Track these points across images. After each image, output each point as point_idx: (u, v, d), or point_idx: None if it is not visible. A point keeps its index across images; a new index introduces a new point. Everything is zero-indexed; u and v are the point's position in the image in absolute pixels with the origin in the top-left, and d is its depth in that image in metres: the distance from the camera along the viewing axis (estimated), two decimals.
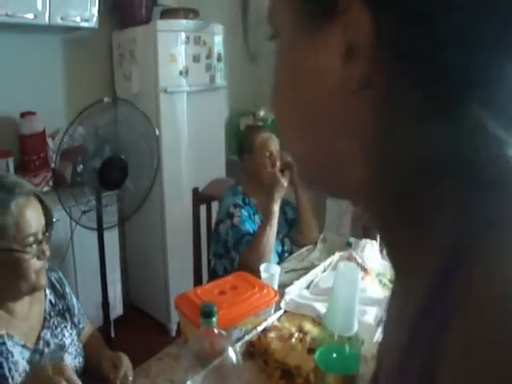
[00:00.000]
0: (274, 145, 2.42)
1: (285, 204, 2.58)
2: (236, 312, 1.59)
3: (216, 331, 1.15)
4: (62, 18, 2.77)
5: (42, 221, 1.38)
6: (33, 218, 1.33)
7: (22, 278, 1.33)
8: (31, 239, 1.32)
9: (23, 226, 1.30)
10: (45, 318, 1.46)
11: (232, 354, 1.16)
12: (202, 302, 1.51)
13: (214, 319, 1.13)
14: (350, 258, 2.11)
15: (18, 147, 2.96)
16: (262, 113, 4.57)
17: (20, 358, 1.33)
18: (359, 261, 2.09)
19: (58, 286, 1.56)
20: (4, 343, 1.30)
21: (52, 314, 1.49)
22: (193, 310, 1.48)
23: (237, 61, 4.56)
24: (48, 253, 1.38)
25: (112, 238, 3.12)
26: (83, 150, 2.46)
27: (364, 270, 2.03)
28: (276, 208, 2.21)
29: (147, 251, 3.63)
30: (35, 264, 1.34)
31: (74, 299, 1.61)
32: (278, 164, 2.41)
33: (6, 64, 2.95)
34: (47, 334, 1.44)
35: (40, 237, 1.35)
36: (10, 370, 1.29)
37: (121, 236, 3.49)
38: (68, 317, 1.55)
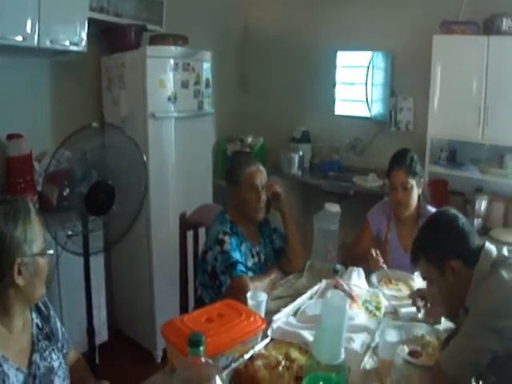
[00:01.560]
0: (260, 178, 2.42)
1: (272, 232, 2.59)
2: (223, 340, 1.58)
3: (203, 360, 1.14)
4: (51, 41, 2.78)
5: None
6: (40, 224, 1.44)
7: (42, 282, 1.43)
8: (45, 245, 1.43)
9: (40, 233, 1.41)
10: (33, 342, 1.46)
11: (219, 382, 1.15)
12: (190, 329, 1.50)
13: (202, 348, 1.13)
14: (337, 286, 2.11)
15: (3, 169, 2.94)
16: (249, 139, 4.61)
17: (15, 381, 1.34)
18: (346, 288, 2.09)
19: (43, 309, 1.56)
20: (1, 365, 1.31)
21: (40, 337, 1.49)
22: (180, 338, 1.46)
23: (225, 87, 4.61)
24: None
25: (98, 263, 3.09)
26: (70, 174, 2.45)
27: (351, 297, 2.03)
28: (287, 208, 2.50)
29: (133, 277, 3.60)
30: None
31: (59, 324, 1.60)
32: (264, 198, 2.42)
33: None
34: (37, 358, 1.44)
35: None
36: None
37: (107, 261, 3.46)
38: (53, 340, 1.54)
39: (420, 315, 2.01)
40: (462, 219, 1.68)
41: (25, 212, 1.37)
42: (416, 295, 2.04)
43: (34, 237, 1.37)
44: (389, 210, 2.67)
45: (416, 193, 2.56)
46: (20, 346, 1.41)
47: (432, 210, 2.63)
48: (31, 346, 1.45)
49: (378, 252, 2.43)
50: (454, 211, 1.73)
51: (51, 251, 1.46)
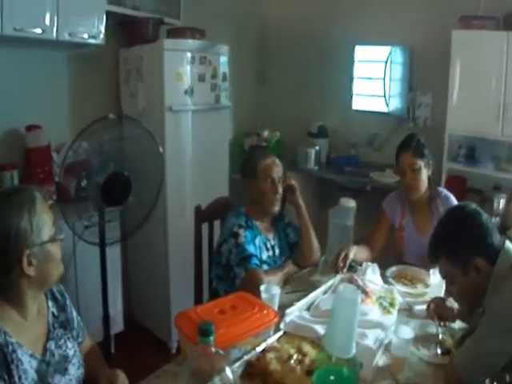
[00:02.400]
0: (276, 171, 2.43)
1: (287, 226, 2.59)
2: (235, 332, 1.59)
3: (213, 350, 1.14)
4: (69, 34, 2.80)
5: None
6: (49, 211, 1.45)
7: (57, 266, 1.45)
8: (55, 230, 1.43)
9: (50, 219, 1.42)
10: (49, 330, 1.48)
11: (229, 373, 1.15)
12: (202, 320, 1.51)
13: (212, 338, 1.13)
14: (352, 281, 2.10)
15: (23, 160, 2.99)
16: (266, 133, 4.60)
17: (29, 367, 1.36)
18: (360, 283, 2.08)
19: (59, 298, 1.58)
20: (15, 351, 1.33)
21: (55, 325, 1.51)
22: (192, 328, 1.47)
23: (243, 81, 4.61)
24: None
25: (114, 253, 3.13)
26: (87, 165, 2.47)
27: (365, 292, 2.02)
28: (301, 202, 2.51)
29: (149, 268, 3.63)
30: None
31: (74, 313, 1.62)
32: (280, 190, 2.43)
33: (13, 78, 2.99)
34: (52, 345, 1.46)
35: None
36: (20, 377, 1.32)
37: (123, 252, 3.49)
38: (68, 329, 1.56)
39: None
40: (484, 214, 1.63)
41: (29, 201, 1.37)
42: (433, 313, 1.92)
43: (42, 224, 1.37)
44: (403, 197, 2.67)
45: (425, 174, 2.55)
46: (35, 333, 1.43)
47: (443, 191, 2.66)
48: (47, 334, 1.47)
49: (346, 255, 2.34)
50: (475, 206, 1.67)
51: (62, 236, 1.46)
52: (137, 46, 3.40)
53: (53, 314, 1.52)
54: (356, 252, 2.38)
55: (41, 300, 1.49)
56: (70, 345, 1.52)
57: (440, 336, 1.83)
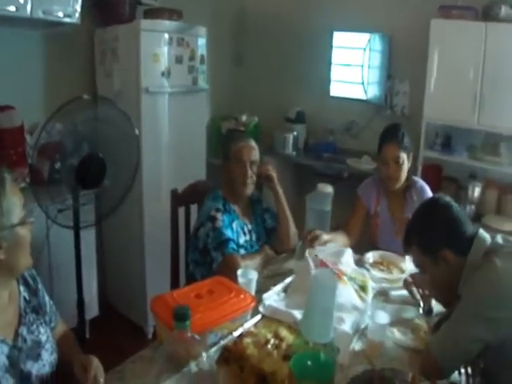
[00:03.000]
0: (249, 154, 2.41)
1: (265, 211, 2.58)
2: (212, 316, 1.58)
3: (189, 335, 1.13)
4: (43, 12, 2.72)
5: None
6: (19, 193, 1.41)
7: (26, 253, 1.41)
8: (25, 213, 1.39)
9: (20, 202, 1.38)
10: (20, 315, 1.45)
11: (205, 358, 1.14)
12: (178, 304, 1.49)
13: (188, 323, 1.12)
14: (322, 265, 2.09)
15: None
16: (244, 117, 4.57)
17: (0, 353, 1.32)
18: (330, 265, 2.08)
19: (31, 282, 1.55)
20: None
21: (27, 310, 1.48)
22: (167, 313, 1.45)
23: (220, 64, 4.56)
24: None
25: (89, 237, 3.08)
26: (61, 147, 2.42)
27: (335, 274, 2.01)
28: (279, 188, 2.52)
29: (125, 251, 3.60)
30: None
31: (47, 297, 1.59)
32: (252, 173, 2.41)
33: None
34: (24, 331, 1.43)
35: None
36: None
37: (98, 235, 3.45)
38: (41, 314, 1.53)
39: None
40: (457, 207, 1.66)
41: None
42: (410, 284, 2.02)
43: (12, 207, 1.34)
44: (378, 184, 2.69)
45: (406, 167, 2.57)
46: (6, 318, 1.40)
47: (419, 181, 2.68)
48: (18, 319, 1.44)
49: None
50: (448, 199, 1.70)
51: (32, 219, 1.42)
52: (113, 26, 3.33)
53: (24, 298, 1.49)
54: (333, 238, 2.38)
55: (12, 285, 1.46)
56: (42, 330, 1.49)
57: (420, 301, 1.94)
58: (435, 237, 1.62)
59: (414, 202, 2.51)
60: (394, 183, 2.58)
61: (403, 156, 2.53)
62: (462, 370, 1.54)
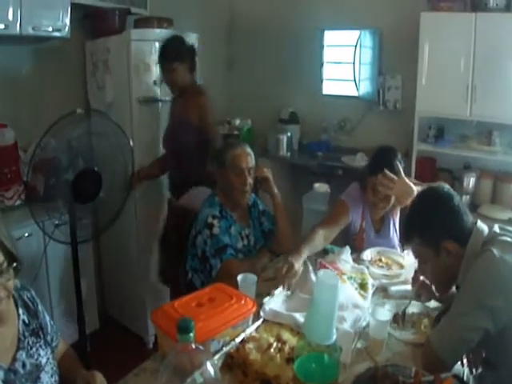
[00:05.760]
0: (246, 161, 2.39)
1: (261, 214, 2.58)
2: (214, 324, 1.58)
3: (194, 346, 1.13)
4: (33, 28, 2.72)
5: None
6: None
7: None
8: None
9: None
10: (19, 339, 1.42)
11: (210, 367, 1.15)
12: (180, 315, 1.50)
13: (192, 334, 1.12)
14: (322, 267, 2.10)
15: None
16: (237, 121, 4.57)
17: None
18: (329, 267, 2.09)
19: (30, 305, 1.51)
20: None
21: (26, 334, 1.45)
22: (170, 324, 1.46)
23: (212, 70, 4.56)
24: (9, 288, 1.32)
25: (87, 251, 3.08)
26: (55, 163, 2.42)
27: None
28: (276, 191, 2.49)
29: (123, 264, 3.58)
30: None
31: (47, 317, 1.56)
32: (251, 181, 2.39)
33: None
34: (22, 355, 1.41)
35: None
36: None
37: (96, 250, 3.44)
38: (42, 335, 1.51)
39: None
40: (457, 197, 1.65)
41: None
42: (420, 284, 1.94)
43: None
44: (364, 197, 2.49)
45: None
46: (2, 346, 1.37)
47: None
48: (17, 343, 1.41)
49: None
50: (447, 188, 1.70)
51: None
52: (103, 37, 3.33)
53: (23, 321, 1.46)
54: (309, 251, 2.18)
55: (10, 306, 1.41)
56: (42, 352, 1.47)
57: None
58: (437, 227, 1.61)
59: (393, 219, 2.53)
60: (382, 210, 2.49)
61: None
62: (465, 361, 1.55)
